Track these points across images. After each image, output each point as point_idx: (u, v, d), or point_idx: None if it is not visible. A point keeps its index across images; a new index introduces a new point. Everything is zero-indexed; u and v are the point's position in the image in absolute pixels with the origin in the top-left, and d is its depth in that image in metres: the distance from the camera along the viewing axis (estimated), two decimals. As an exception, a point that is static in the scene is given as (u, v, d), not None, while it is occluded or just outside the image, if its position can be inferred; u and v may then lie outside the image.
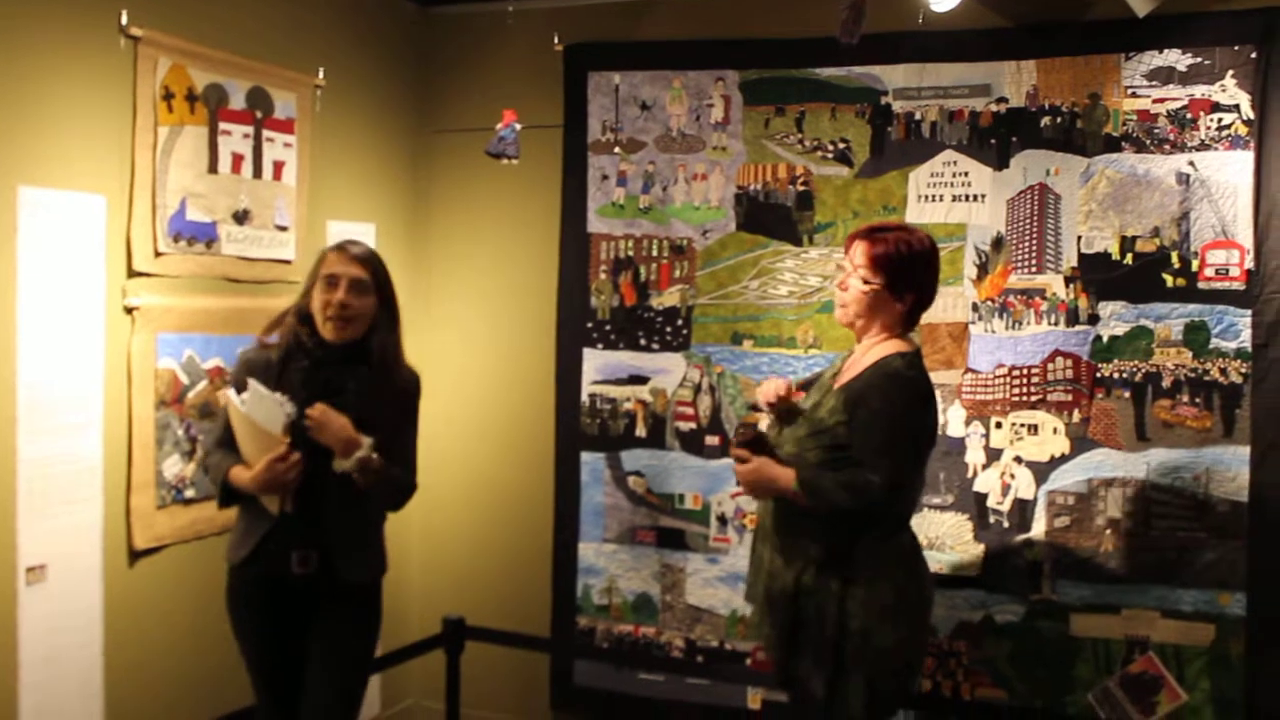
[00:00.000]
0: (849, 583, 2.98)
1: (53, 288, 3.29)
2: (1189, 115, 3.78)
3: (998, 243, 4.00)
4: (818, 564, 3.02)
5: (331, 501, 3.12)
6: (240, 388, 3.11)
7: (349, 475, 3.07)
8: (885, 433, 2.97)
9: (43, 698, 3.31)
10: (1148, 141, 3.83)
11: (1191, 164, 3.78)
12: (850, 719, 3.00)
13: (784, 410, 3.21)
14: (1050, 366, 3.92)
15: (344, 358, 3.16)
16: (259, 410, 3.04)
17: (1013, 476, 3.95)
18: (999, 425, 3.98)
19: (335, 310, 3.11)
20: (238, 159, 3.90)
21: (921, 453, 3.10)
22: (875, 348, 3.11)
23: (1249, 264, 3.71)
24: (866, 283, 3.08)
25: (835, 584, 2.98)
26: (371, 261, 3.20)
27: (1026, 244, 3.97)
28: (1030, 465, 3.94)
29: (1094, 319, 3.88)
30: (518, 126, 4.26)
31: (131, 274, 3.56)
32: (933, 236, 3.19)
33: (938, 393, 3.92)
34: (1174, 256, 3.80)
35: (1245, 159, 3.71)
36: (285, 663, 3.21)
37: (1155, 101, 3.83)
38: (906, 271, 3.08)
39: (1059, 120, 3.93)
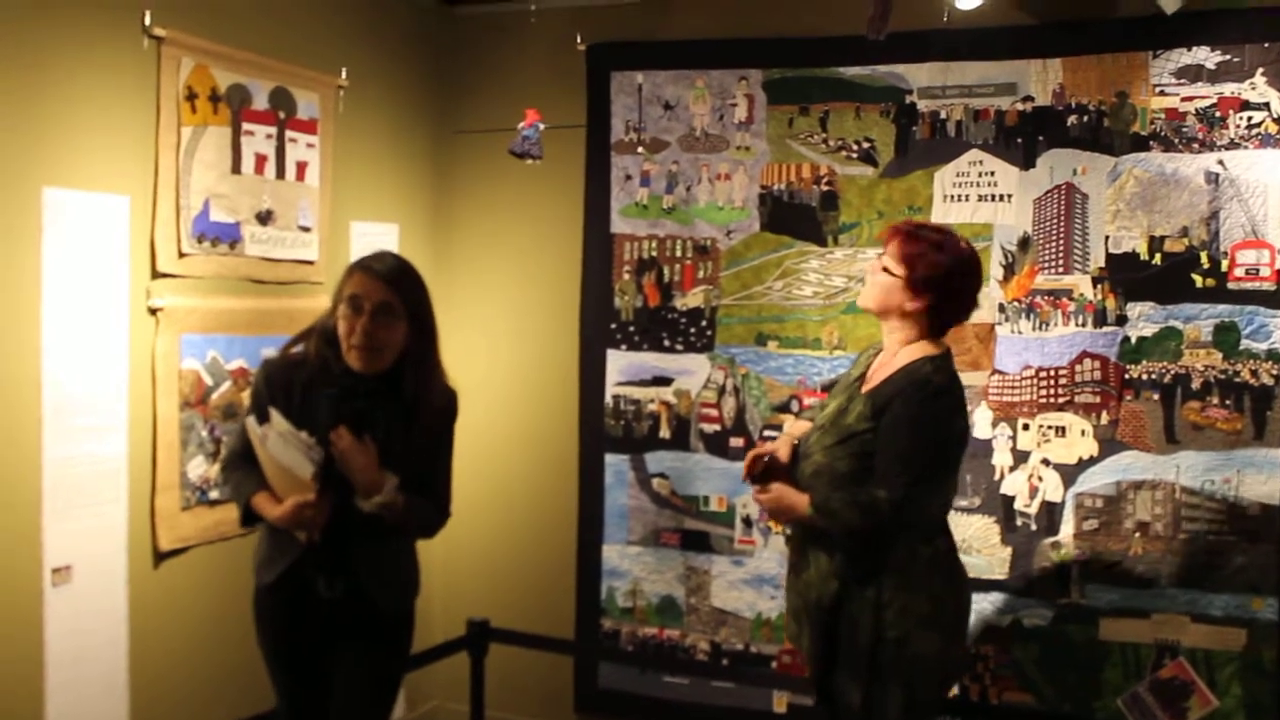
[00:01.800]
0: (884, 591, 2.92)
1: (77, 289, 3.29)
2: (1218, 113, 3.75)
3: (1024, 243, 3.97)
4: (852, 573, 2.97)
5: (360, 531, 2.92)
6: (262, 413, 2.88)
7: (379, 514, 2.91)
8: (905, 445, 2.91)
9: (68, 698, 3.31)
10: (1176, 140, 3.80)
11: (1221, 163, 3.74)
12: None
13: (761, 473, 3.15)
14: (1078, 368, 3.89)
15: (373, 389, 2.91)
16: (284, 453, 2.82)
17: (1040, 479, 3.92)
18: (1026, 427, 3.95)
19: (360, 339, 2.84)
20: (261, 159, 3.90)
21: (946, 462, 3.00)
22: (903, 350, 3.04)
23: (1279, 264, 3.68)
24: (886, 270, 3.03)
25: (870, 592, 2.93)
26: (401, 281, 2.91)
27: (1053, 244, 3.94)
28: (1058, 468, 3.90)
29: (1122, 320, 3.85)
30: (541, 126, 4.24)
31: (155, 275, 3.56)
32: (974, 258, 3.06)
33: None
34: (1203, 256, 3.76)
35: (1275, 157, 3.68)
36: (311, 682, 3.08)
37: (1184, 100, 3.79)
38: (929, 271, 2.98)
39: (1086, 119, 3.90)
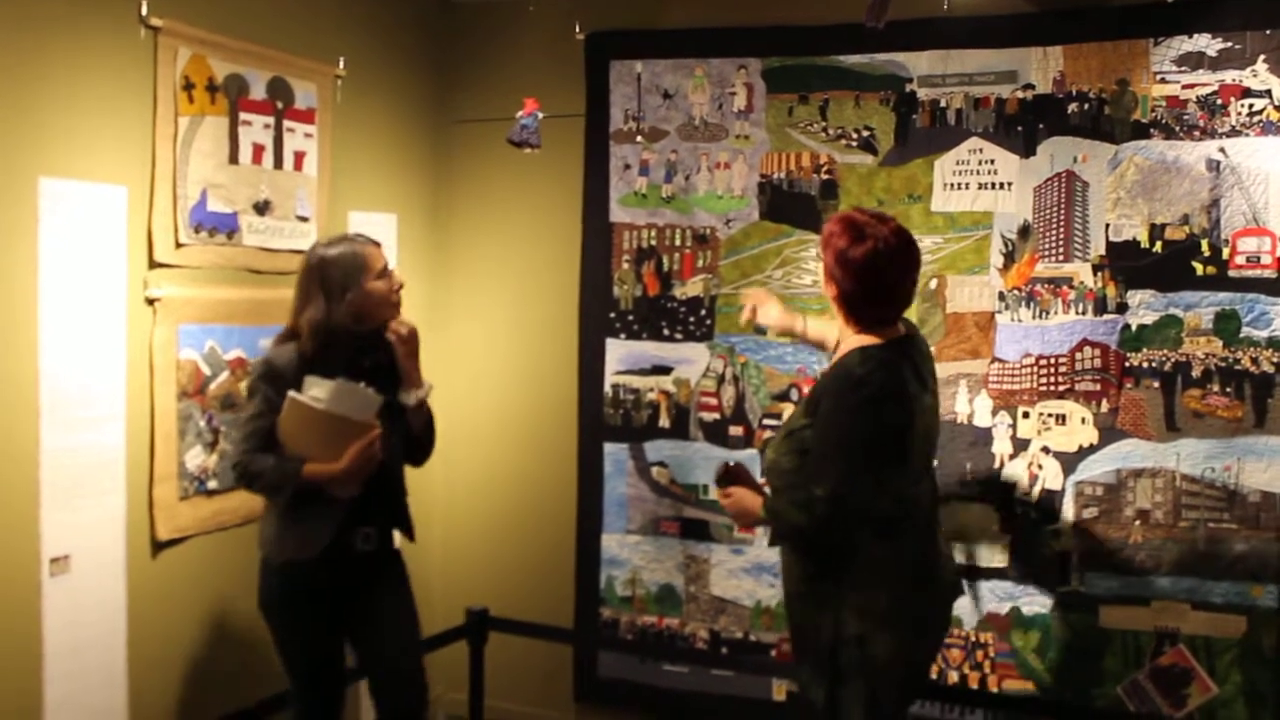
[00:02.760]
0: (842, 588, 2.89)
1: (74, 279, 3.29)
2: (1219, 101, 3.73)
3: (1024, 231, 3.96)
4: (813, 569, 2.95)
5: (394, 472, 3.40)
6: (296, 386, 3.16)
7: (409, 419, 3.36)
8: (832, 440, 2.86)
9: (67, 688, 3.31)
10: (1177, 128, 3.78)
11: (1222, 150, 3.73)
12: None
13: (724, 478, 3.21)
14: (1078, 356, 3.88)
15: (375, 339, 3.33)
16: (347, 403, 3.14)
17: (1040, 467, 3.91)
18: (1026, 415, 3.94)
19: (399, 297, 3.35)
20: (258, 149, 3.89)
21: (880, 455, 2.86)
22: (845, 342, 3.00)
23: (1280, 251, 3.67)
24: (819, 257, 3.05)
25: (829, 588, 2.90)
26: None
27: (1054, 232, 3.93)
28: (1058, 456, 3.90)
29: (1122, 308, 3.84)
30: (539, 115, 4.23)
31: (153, 265, 3.56)
32: (890, 244, 2.90)
33: (963, 382, 3.96)
34: (1204, 244, 3.75)
35: (1277, 145, 3.66)
36: (333, 653, 3.40)
37: (1185, 87, 3.78)
38: (831, 256, 2.94)
39: (1086, 107, 3.89)
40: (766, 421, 4.26)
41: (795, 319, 3.51)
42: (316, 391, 3.13)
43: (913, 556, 2.95)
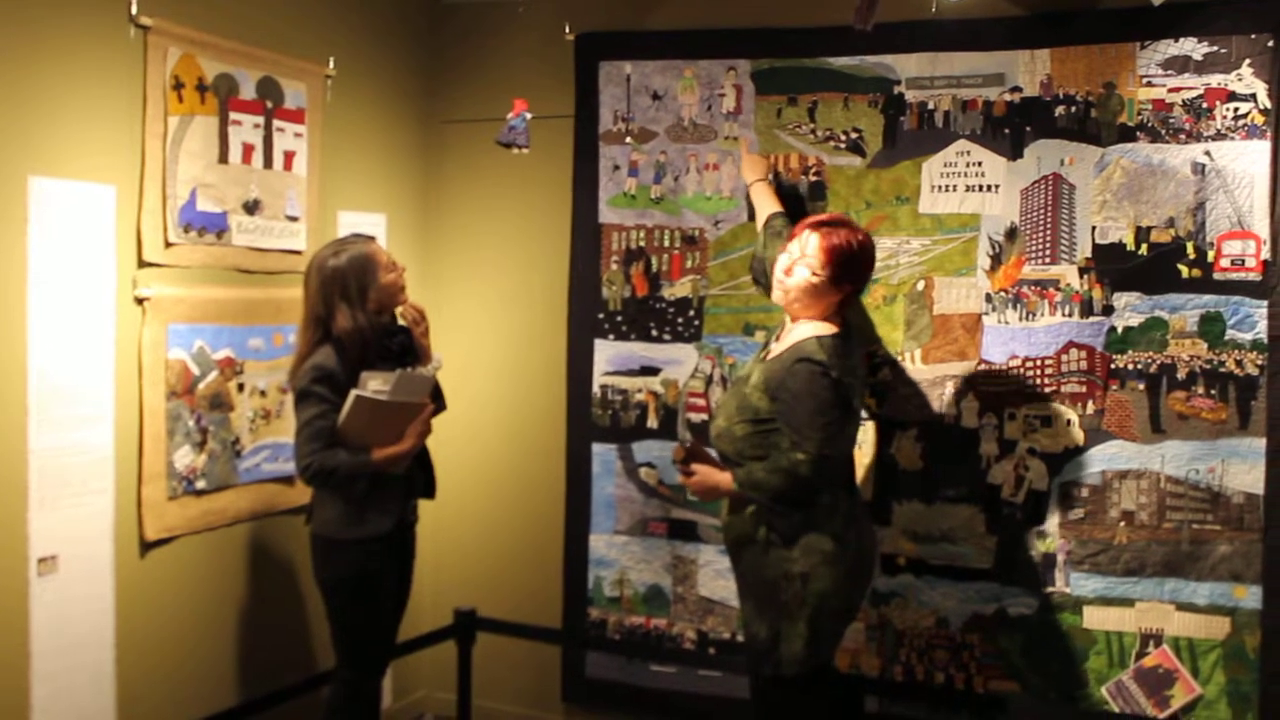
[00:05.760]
0: (795, 535, 3.26)
1: (63, 278, 3.29)
2: (1205, 104, 3.75)
3: (1011, 233, 3.97)
4: (758, 514, 3.32)
5: (425, 444, 3.67)
6: (351, 385, 3.40)
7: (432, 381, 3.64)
8: (806, 410, 3.22)
9: (54, 688, 3.31)
10: (1163, 131, 3.80)
11: (1207, 153, 3.75)
12: (792, 660, 3.28)
13: (684, 458, 3.51)
14: (1064, 358, 3.90)
15: (392, 321, 3.67)
16: (407, 390, 3.44)
17: (1026, 468, 3.93)
18: (1012, 417, 3.95)
19: (404, 280, 3.63)
20: (248, 149, 3.90)
21: (841, 423, 3.28)
22: (803, 326, 3.38)
23: (1265, 254, 3.68)
24: (815, 274, 3.33)
25: (779, 537, 3.28)
26: None
27: (1040, 234, 3.94)
28: (1044, 457, 3.91)
29: (1108, 310, 3.85)
30: (528, 116, 4.24)
31: (142, 264, 3.56)
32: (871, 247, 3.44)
33: (950, 384, 3.98)
34: (1189, 247, 3.77)
35: (1262, 148, 3.68)
36: (391, 622, 3.78)
37: (1171, 90, 3.79)
38: (853, 267, 3.36)
39: (1073, 110, 3.90)
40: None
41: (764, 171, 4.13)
42: (377, 385, 3.40)
43: (847, 506, 3.37)
